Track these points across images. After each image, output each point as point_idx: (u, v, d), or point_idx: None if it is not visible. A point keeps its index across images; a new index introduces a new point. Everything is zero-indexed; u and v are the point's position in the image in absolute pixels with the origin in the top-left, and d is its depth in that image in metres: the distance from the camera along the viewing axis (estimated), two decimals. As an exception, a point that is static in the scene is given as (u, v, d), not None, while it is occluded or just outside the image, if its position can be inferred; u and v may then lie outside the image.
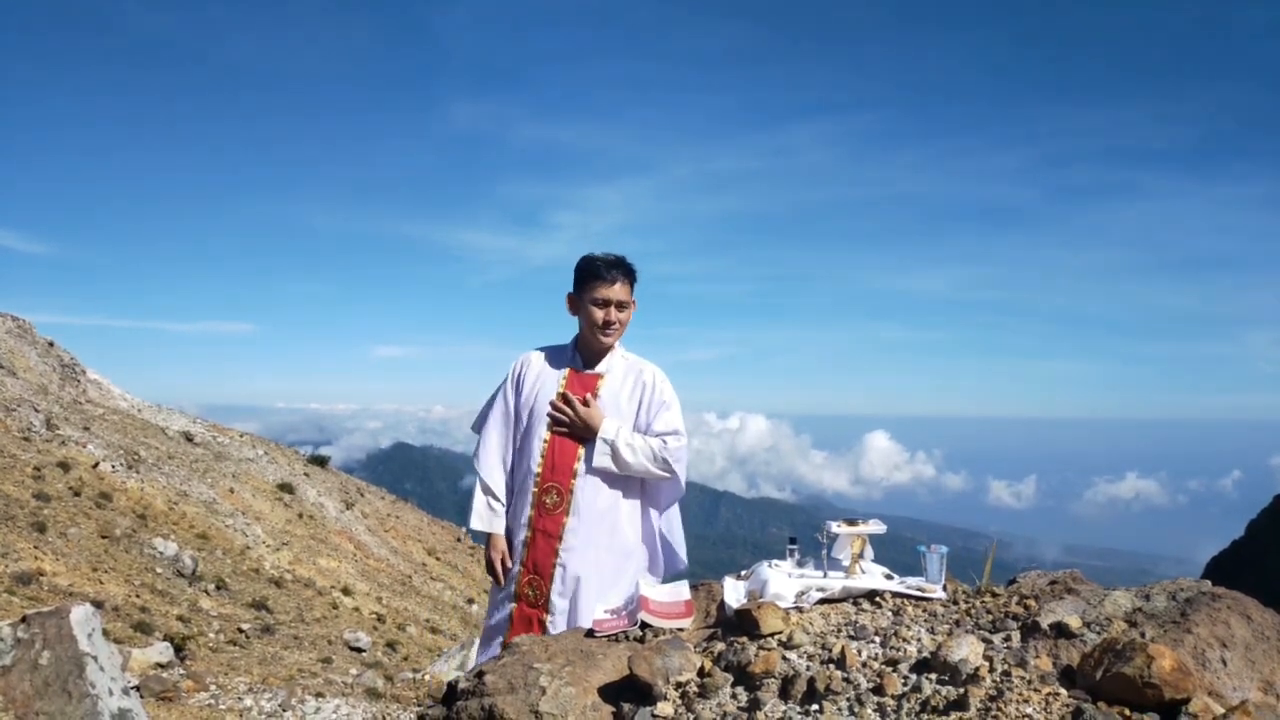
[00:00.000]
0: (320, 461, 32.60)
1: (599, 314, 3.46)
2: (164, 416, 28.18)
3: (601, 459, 3.44)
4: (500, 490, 3.57)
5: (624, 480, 3.51)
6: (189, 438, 26.02)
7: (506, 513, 3.55)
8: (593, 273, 3.46)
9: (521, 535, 3.46)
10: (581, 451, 3.46)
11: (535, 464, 3.48)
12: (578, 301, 3.53)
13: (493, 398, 3.67)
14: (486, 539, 3.56)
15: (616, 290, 3.45)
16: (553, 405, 3.48)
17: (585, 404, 3.45)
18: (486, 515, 3.55)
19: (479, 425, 3.69)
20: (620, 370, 3.58)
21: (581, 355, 3.59)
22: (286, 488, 25.65)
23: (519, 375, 3.62)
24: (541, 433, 3.48)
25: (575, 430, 3.46)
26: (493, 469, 3.58)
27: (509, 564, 3.50)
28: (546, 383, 3.55)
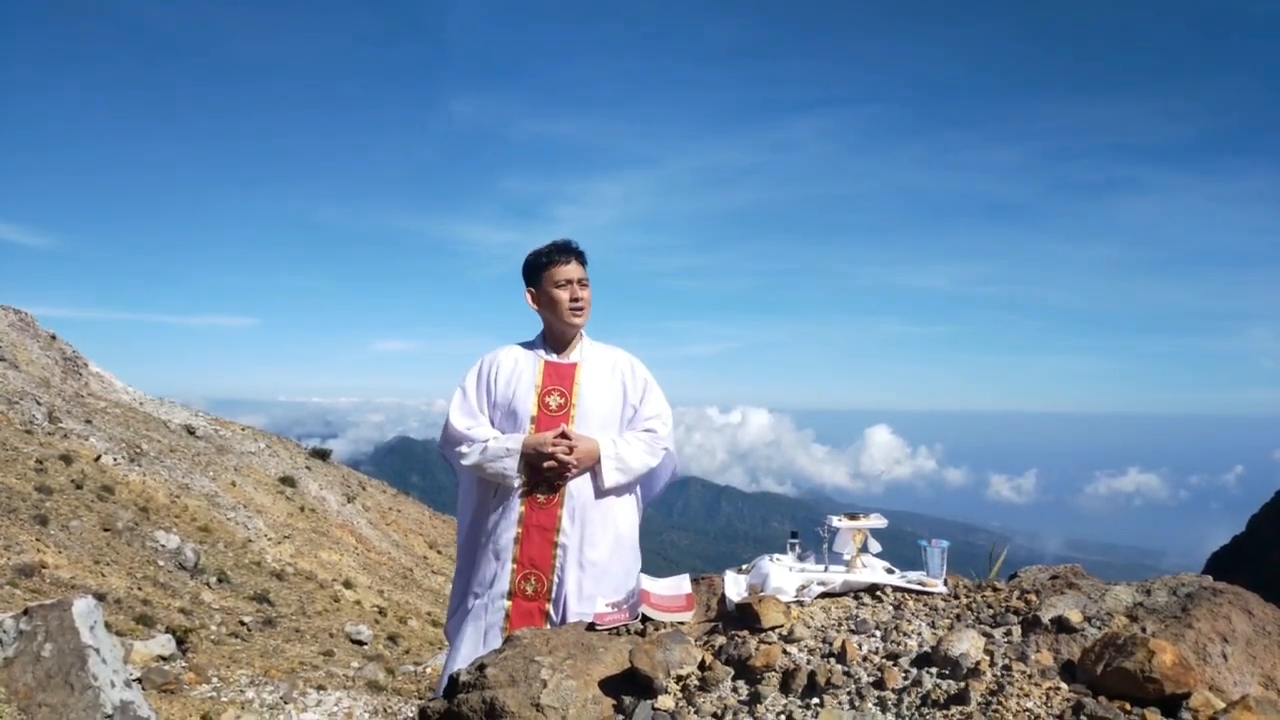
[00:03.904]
0: (322, 455, 32.64)
1: (565, 294, 3.46)
2: (166, 410, 28.22)
3: (613, 475, 3.42)
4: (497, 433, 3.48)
5: None
6: (191, 431, 26.06)
7: (492, 510, 3.50)
8: (548, 258, 3.48)
9: (512, 532, 3.41)
10: None
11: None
12: (539, 294, 3.53)
13: (454, 397, 3.58)
14: (520, 456, 3.38)
15: (575, 269, 3.47)
16: (554, 444, 3.34)
17: (566, 437, 3.37)
18: (504, 441, 3.42)
19: (450, 436, 3.55)
20: (594, 357, 3.58)
21: (552, 347, 3.58)
22: (288, 481, 25.69)
23: (490, 373, 3.56)
24: (527, 426, 3.45)
25: (584, 465, 3.40)
26: (485, 427, 3.50)
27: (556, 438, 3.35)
28: (523, 375, 3.52)
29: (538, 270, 3.51)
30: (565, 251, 3.48)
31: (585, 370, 3.54)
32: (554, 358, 3.56)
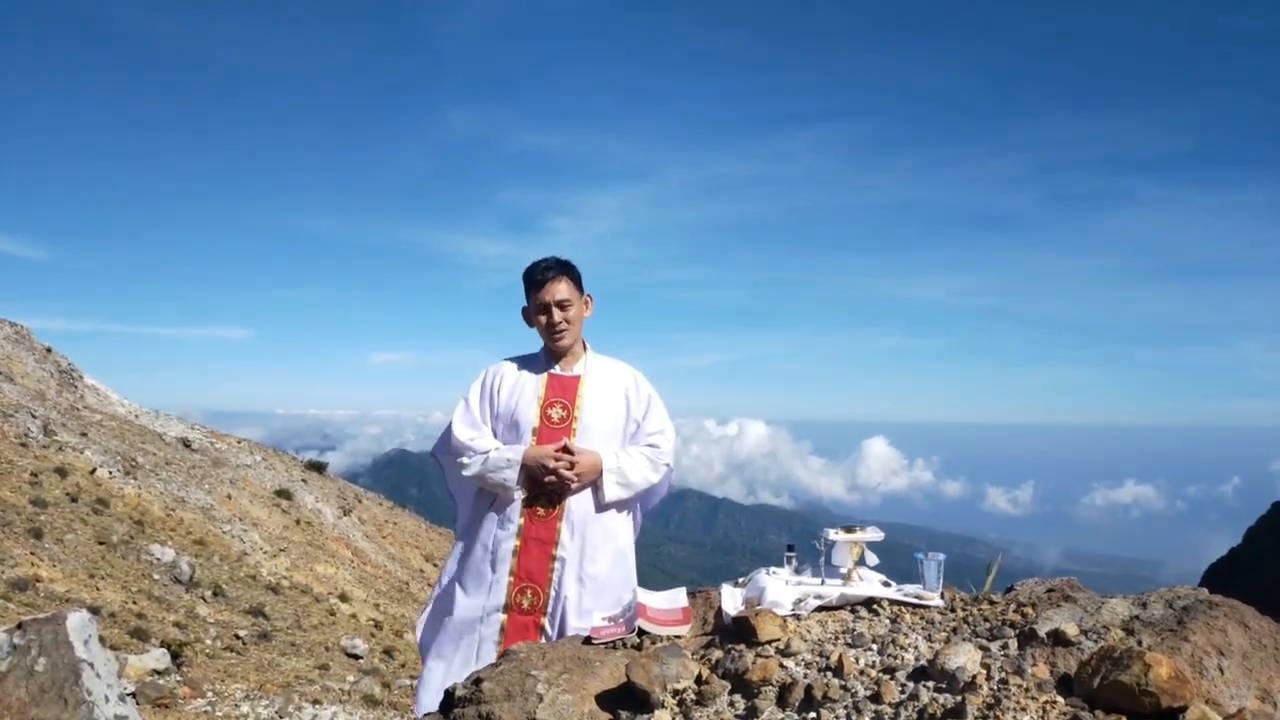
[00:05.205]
0: (318, 467, 32.54)
1: (542, 319, 3.48)
2: (162, 422, 28.15)
3: (614, 490, 3.42)
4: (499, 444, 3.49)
5: None
6: (186, 444, 25.99)
7: (491, 521, 3.48)
8: (528, 280, 3.50)
9: (510, 544, 3.40)
10: None
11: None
12: (529, 313, 3.56)
13: (457, 408, 3.59)
14: (521, 468, 3.38)
15: (552, 290, 3.45)
16: (555, 458, 3.34)
17: (569, 451, 3.37)
18: (505, 452, 3.42)
19: (445, 444, 3.58)
20: (598, 371, 3.59)
21: (554, 359, 3.58)
22: (284, 494, 25.60)
23: (493, 385, 3.56)
24: (528, 438, 3.46)
25: (585, 479, 3.40)
26: (487, 438, 3.51)
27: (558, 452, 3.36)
28: (525, 388, 3.52)
29: (525, 289, 3.54)
30: (546, 271, 3.47)
31: (589, 383, 3.54)
32: (558, 370, 3.56)
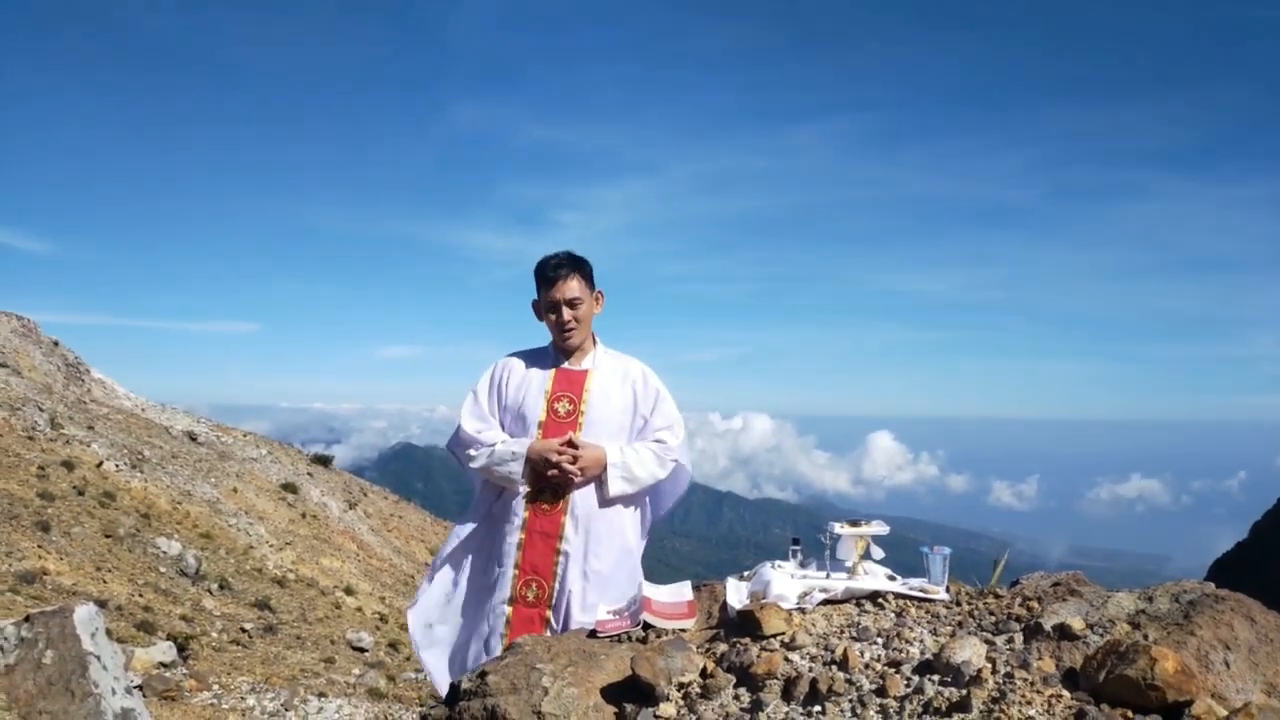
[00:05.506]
0: (324, 461, 32.60)
1: (552, 317, 3.47)
2: (168, 416, 28.22)
3: (618, 484, 3.40)
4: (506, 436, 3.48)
5: None
6: (193, 437, 26.06)
7: (497, 514, 3.50)
8: (540, 277, 3.48)
9: (515, 537, 3.40)
10: None
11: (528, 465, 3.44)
12: (540, 307, 3.54)
13: (466, 401, 3.59)
14: (526, 461, 3.37)
15: (564, 289, 3.42)
16: (559, 452, 3.33)
17: (573, 445, 3.36)
18: (511, 445, 3.41)
19: (461, 439, 3.57)
20: (606, 366, 3.58)
21: (563, 354, 3.57)
22: (290, 487, 25.66)
23: (502, 378, 3.56)
24: (534, 431, 3.45)
25: (589, 473, 3.38)
26: (494, 431, 3.50)
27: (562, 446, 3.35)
28: (533, 383, 3.52)
29: (536, 285, 3.52)
30: (558, 269, 3.44)
31: (596, 378, 3.53)
32: (566, 364, 3.56)
